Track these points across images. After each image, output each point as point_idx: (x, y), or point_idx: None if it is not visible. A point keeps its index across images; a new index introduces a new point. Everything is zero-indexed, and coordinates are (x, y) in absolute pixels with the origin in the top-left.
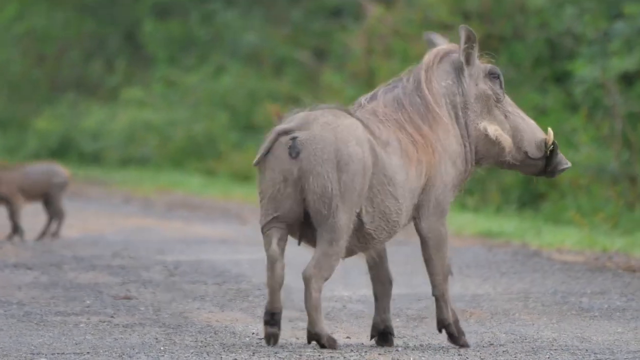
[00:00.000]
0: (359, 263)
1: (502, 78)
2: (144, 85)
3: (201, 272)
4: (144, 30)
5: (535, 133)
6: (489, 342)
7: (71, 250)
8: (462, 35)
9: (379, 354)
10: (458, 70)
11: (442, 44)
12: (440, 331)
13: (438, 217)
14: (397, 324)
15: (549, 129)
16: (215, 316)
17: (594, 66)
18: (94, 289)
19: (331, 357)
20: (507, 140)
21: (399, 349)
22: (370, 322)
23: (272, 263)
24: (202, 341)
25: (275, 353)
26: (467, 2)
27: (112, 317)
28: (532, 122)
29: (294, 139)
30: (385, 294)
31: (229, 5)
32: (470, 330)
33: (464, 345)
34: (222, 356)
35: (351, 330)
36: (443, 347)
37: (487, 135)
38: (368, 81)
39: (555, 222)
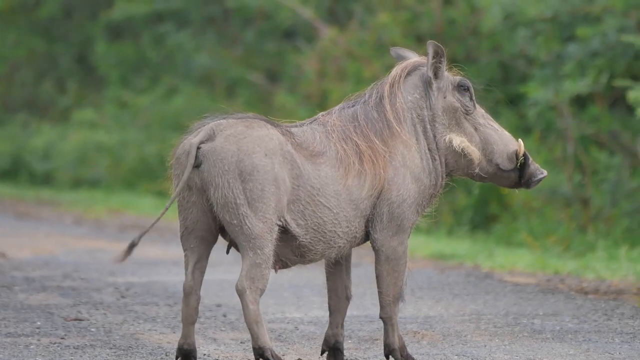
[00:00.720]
0: (310, 283)
1: (472, 90)
2: (96, 107)
3: (153, 293)
4: (96, 51)
5: (507, 145)
6: None
7: (22, 271)
8: (430, 50)
9: None
10: (426, 84)
11: (412, 57)
12: (387, 357)
13: (394, 232)
14: (349, 346)
15: (519, 140)
16: (166, 337)
17: (546, 89)
18: (45, 311)
19: None
20: (474, 152)
21: None
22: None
23: (187, 295)
24: None
25: None
26: (420, 24)
27: (62, 338)
28: (506, 134)
29: (197, 149)
30: (339, 309)
31: (181, 27)
32: (423, 352)
33: None
34: None
35: (303, 352)
36: None
37: (451, 147)
38: (321, 103)
39: (508, 244)
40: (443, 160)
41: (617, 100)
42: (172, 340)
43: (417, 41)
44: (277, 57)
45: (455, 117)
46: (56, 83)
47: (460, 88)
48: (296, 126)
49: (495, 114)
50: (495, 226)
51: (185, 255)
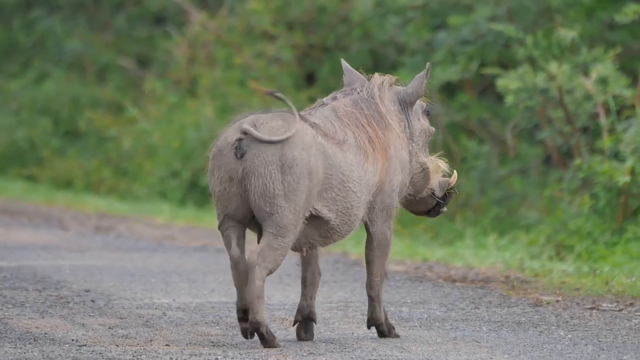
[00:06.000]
0: (179, 269)
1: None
2: None
3: (22, 278)
4: None
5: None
6: (309, 351)
7: None
8: (428, 72)
9: None
10: (402, 103)
11: (358, 76)
12: (369, 328)
13: (384, 219)
14: (216, 332)
15: (454, 172)
16: (35, 323)
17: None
18: None
19: None
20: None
21: (218, 357)
22: (190, 330)
23: (235, 264)
24: (21, 348)
25: None
26: (290, 11)
27: None
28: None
29: (240, 140)
30: (314, 283)
31: (53, 12)
32: (290, 339)
33: (396, 336)
34: None
35: (171, 338)
36: (263, 354)
37: (424, 170)
38: (191, 89)
39: None
40: (410, 177)
41: (486, 88)
42: (40, 325)
43: (288, 28)
44: (148, 42)
45: (425, 141)
46: None
47: (427, 114)
48: (309, 114)
49: None
50: None
51: (227, 235)
